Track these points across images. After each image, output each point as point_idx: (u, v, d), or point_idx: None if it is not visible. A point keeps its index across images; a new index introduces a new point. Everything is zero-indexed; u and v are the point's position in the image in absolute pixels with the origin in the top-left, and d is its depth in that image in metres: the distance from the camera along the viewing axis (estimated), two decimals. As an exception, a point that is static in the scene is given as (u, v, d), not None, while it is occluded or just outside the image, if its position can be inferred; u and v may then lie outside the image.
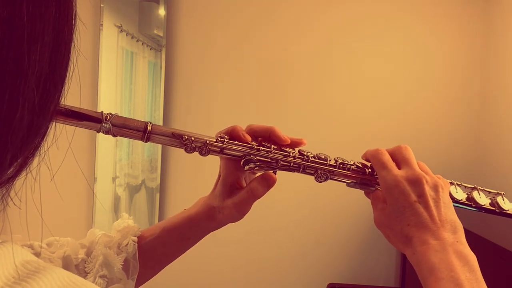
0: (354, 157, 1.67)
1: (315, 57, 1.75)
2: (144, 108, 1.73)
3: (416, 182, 0.46)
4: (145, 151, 1.76)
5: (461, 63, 1.74)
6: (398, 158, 0.49)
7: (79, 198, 1.76)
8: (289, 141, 0.51)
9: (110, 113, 0.44)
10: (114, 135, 0.44)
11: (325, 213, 1.75)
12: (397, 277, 1.74)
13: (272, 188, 0.51)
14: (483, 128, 1.70)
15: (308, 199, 1.75)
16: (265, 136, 0.51)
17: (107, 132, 0.44)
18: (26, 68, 0.22)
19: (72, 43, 0.27)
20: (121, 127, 0.44)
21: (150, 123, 0.46)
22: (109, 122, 0.43)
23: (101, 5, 1.70)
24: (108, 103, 1.71)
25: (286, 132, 1.54)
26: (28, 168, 0.26)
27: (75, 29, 0.27)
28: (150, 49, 1.72)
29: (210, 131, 1.76)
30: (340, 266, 1.76)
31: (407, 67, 1.74)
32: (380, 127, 1.73)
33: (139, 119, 0.46)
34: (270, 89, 1.75)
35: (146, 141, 0.46)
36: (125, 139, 1.75)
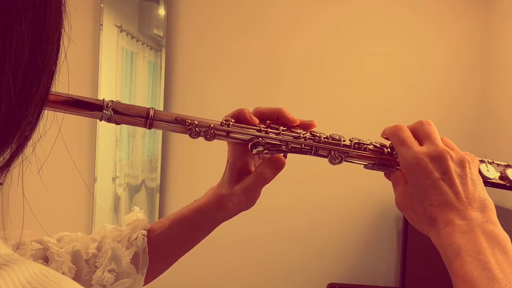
0: (353, 163, 1.65)
1: (315, 56, 1.75)
2: (144, 108, 1.73)
3: (439, 158, 0.42)
4: (145, 151, 1.76)
5: (461, 62, 1.74)
6: (420, 134, 0.46)
7: (79, 198, 1.76)
8: (298, 122, 0.48)
9: (112, 100, 0.43)
10: (117, 123, 0.43)
11: (325, 214, 1.75)
12: (397, 277, 1.74)
13: (280, 172, 0.48)
14: (483, 127, 1.70)
15: (307, 199, 1.75)
16: (273, 118, 0.49)
17: (109, 119, 0.42)
18: (1, 57, 0.21)
19: (61, 30, 0.25)
20: (123, 114, 0.43)
21: (153, 108, 0.44)
22: (110, 109, 0.42)
23: (101, 5, 1.70)
24: (108, 103, 1.71)
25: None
26: (18, 160, 0.25)
27: (64, 16, 0.25)
28: (150, 49, 1.72)
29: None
30: (340, 266, 1.76)
31: (405, 66, 1.74)
32: (378, 127, 1.73)
33: (140, 106, 0.45)
34: (271, 88, 1.75)
35: (149, 128, 0.44)
36: (125, 139, 1.75)
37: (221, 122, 0.47)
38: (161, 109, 1.71)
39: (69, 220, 1.77)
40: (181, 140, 1.74)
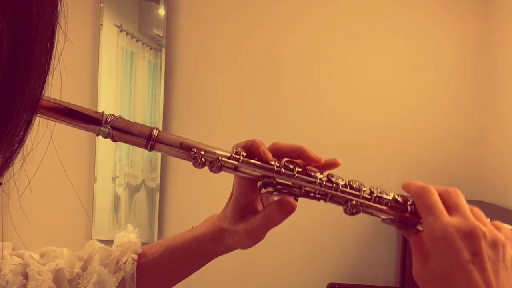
0: (352, 160, 1.67)
1: (316, 55, 1.75)
2: (144, 108, 1.73)
3: (471, 236, 0.36)
4: (145, 151, 1.76)
5: (460, 62, 1.74)
6: (448, 203, 0.40)
7: (79, 198, 1.76)
8: (323, 161, 0.44)
9: (113, 115, 0.39)
10: (114, 140, 0.39)
11: (325, 213, 1.75)
12: (397, 277, 1.74)
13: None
14: (484, 128, 1.70)
15: (307, 199, 1.74)
16: (293, 157, 0.44)
17: (106, 136, 0.38)
18: None
19: (55, 26, 0.22)
20: (122, 131, 0.39)
21: (157, 129, 0.40)
22: (108, 126, 0.38)
23: (101, 5, 1.70)
24: (108, 103, 1.71)
25: (288, 131, 1.55)
26: (10, 171, 0.23)
27: (60, 9, 0.23)
28: (150, 49, 1.72)
29: (210, 131, 1.77)
30: (340, 266, 1.76)
31: (404, 66, 1.74)
32: (378, 127, 1.73)
33: (143, 124, 0.41)
34: (271, 88, 1.75)
35: (150, 150, 0.40)
36: (125, 139, 1.75)
37: (231, 155, 0.42)
38: (161, 109, 1.71)
39: (69, 220, 1.77)
40: (181, 140, 1.74)
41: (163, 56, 1.71)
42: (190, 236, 0.50)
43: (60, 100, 0.36)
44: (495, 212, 1.41)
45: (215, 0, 1.75)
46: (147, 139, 0.40)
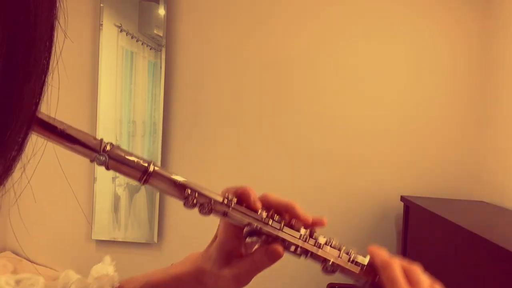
0: (352, 162, 1.66)
1: (315, 57, 1.75)
2: (144, 108, 1.73)
3: None
4: (145, 151, 1.76)
5: (460, 62, 1.74)
6: (410, 277, 0.43)
7: (79, 198, 1.76)
8: (310, 221, 0.46)
9: (112, 144, 0.38)
10: (108, 169, 0.38)
11: (325, 214, 1.74)
12: (397, 277, 1.73)
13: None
14: (484, 128, 1.70)
15: (307, 201, 1.75)
16: (281, 211, 0.46)
17: (101, 164, 0.37)
18: None
19: (54, 23, 0.21)
20: (119, 162, 0.38)
21: (153, 164, 0.40)
22: (106, 155, 0.37)
23: (101, 5, 1.70)
24: (108, 103, 1.71)
25: (289, 130, 1.54)
26: (10, 179, 0.22)
27: (58, 6, 0.21)
28: (150, 49, 1.72)
29: (209, 131, 1.75)
30: (340, 266, 1.76)
31: (406, 67, 1.74)
32: (378, 128, 1.73)
33: (139, 156, 0.40)
34: (271, 88, 1.75)
35: (143, 184, 0.40)
36: (125, 138, 1.75)
37: (222, 200, 0.43)
38: (161, 109, 1.71)
39: (69, 220, 1.77)
40: (181, 140, 1.74)
41: (163, 56, 1.71)
42: (171, 274, 0.49)
43: (55, 120, 0.34)
44: (495, 212, 1.41)
45: (215, 0, 1.75)
46: (142, 173, 0.39)
